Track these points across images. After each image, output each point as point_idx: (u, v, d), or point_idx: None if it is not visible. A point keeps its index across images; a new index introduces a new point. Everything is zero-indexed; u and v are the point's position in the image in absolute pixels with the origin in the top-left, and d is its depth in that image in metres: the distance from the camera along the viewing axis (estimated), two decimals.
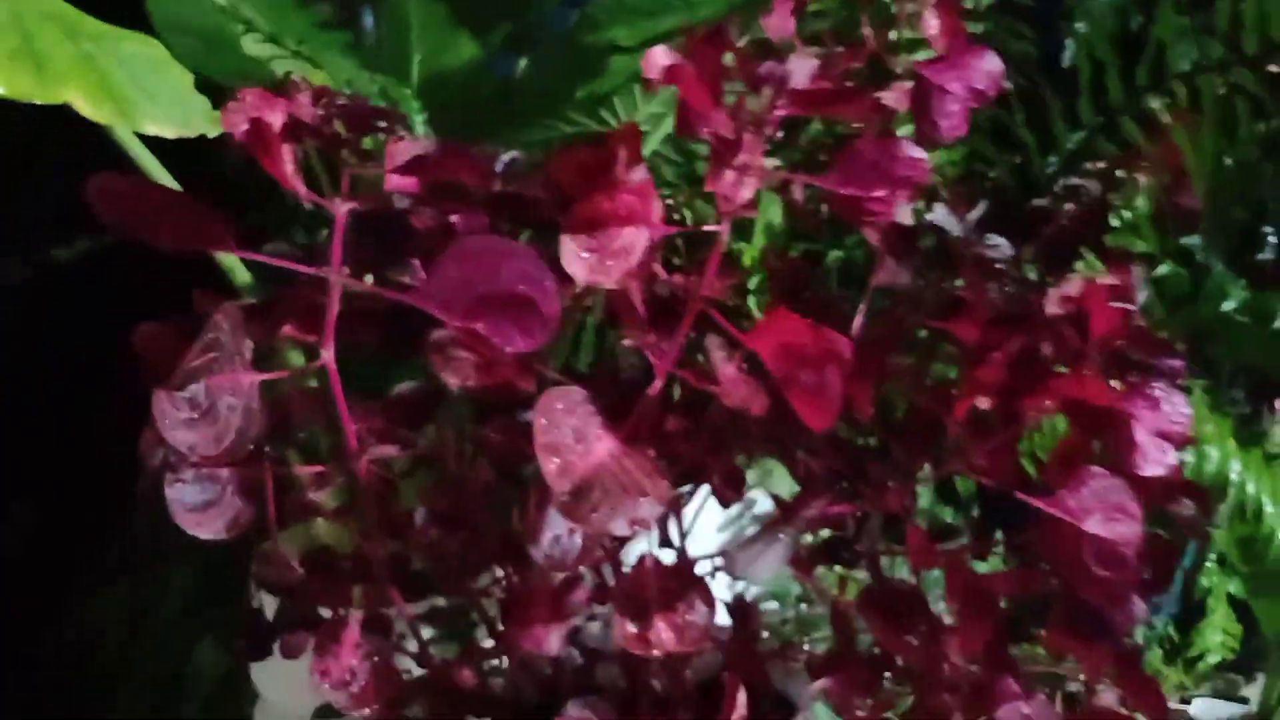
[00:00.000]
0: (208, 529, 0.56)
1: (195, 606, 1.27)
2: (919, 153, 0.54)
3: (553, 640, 0.74)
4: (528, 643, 0.74)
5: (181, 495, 0.55)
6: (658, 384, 0.61)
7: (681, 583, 0.66)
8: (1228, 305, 0.91)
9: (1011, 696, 0.76)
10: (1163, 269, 0.95)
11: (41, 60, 0.59)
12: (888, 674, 0.80)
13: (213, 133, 0.67)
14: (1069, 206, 0.91)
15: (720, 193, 0.56)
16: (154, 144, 0.78)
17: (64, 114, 0.69)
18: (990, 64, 0.66)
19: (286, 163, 0.51)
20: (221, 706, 1.20)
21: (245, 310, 0.59)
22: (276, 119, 0.51)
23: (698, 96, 0.50)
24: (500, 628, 0.85)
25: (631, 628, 0.64)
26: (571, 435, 0.55)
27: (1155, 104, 0.84)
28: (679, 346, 0.60)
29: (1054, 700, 0.75)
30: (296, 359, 0.92)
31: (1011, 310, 0.61)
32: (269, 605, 1.10)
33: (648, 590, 0.65)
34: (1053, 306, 0.62)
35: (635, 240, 0.55)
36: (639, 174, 0.57)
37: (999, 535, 0.94)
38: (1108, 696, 0.85)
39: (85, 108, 0.62)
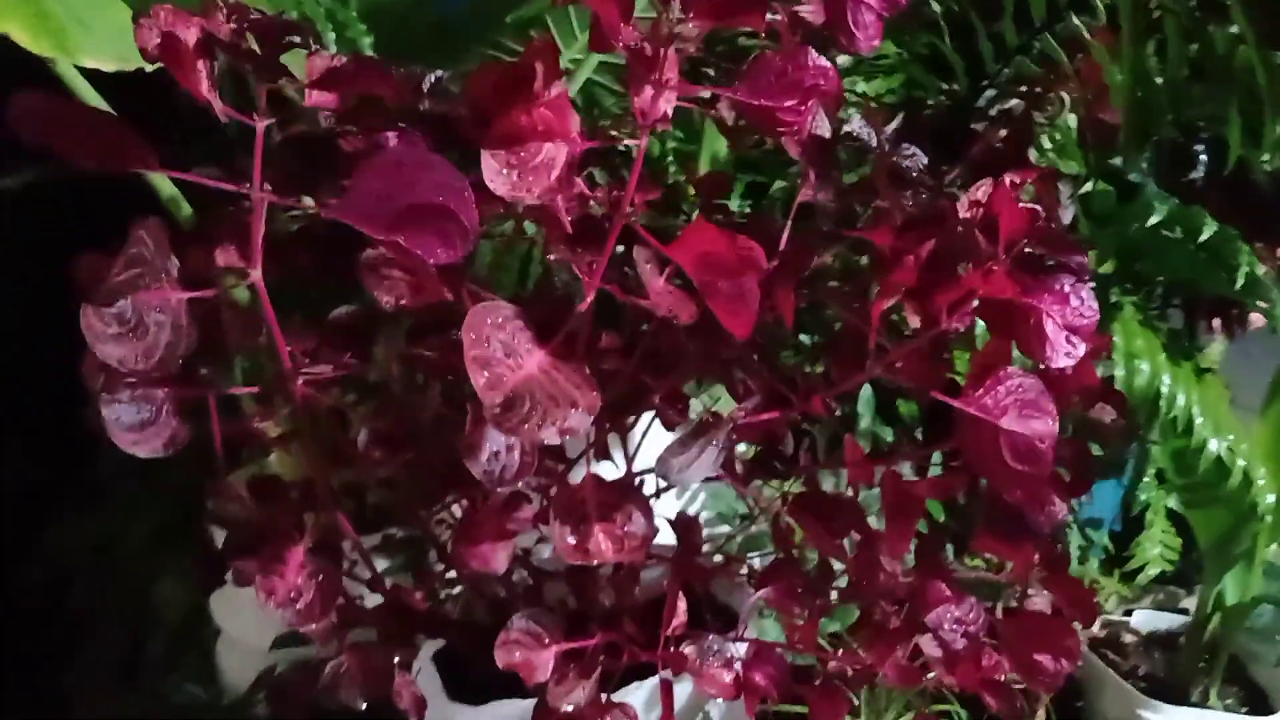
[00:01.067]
0: (145, 447, 0.57)
1: (160, 543, 1.29)
2: (824, 62, 0.55)
3: (500, 558, 0.76)
4: (475, 561, 0.75)
5: (118, 415, 0.56)
6: (588, 298, 0.63)
7: (619, 495, 0.68)
8: (1155, 220, 0.93)
9: (942, 600, 0.79)
10: (1089, 186, 0.97)
11: None
12: (829, 585, 0.84)
13: (149, 66, 0.67)
14: (1001, 130, 0.93)
15: (638, 108, 0.57)
16: (103, 81, 0.77)
17: (3, 47, 0.69)
18: None
19: (201, 77, 0.51)
20: (188, 642, 1.21)
21: (175, 233, 0.61)
22: (190, 35, 0.52)
23: (607, 11, 0.51)
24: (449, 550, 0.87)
25: (571, 538, 0.66)
26: (501, 349, 0.57)
27: (1077, 22, 0.85)
28: (605, 261, 0.62)
29: (994, 609, 0.78)
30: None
31: (923, 214, 0.63)
32: (220, 537, 1.13)
33: (586, 502, 0.67)
34: (963, 211, 0.64)
35: (555, 155, 0.56)
36: (556, 90, 0.58)
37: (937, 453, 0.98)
38: (1039, 600, 0.88)
39: (24, 39, 0.62)
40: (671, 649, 0.71)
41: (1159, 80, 0.95)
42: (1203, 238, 0.95)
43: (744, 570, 0.90)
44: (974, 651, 0.74)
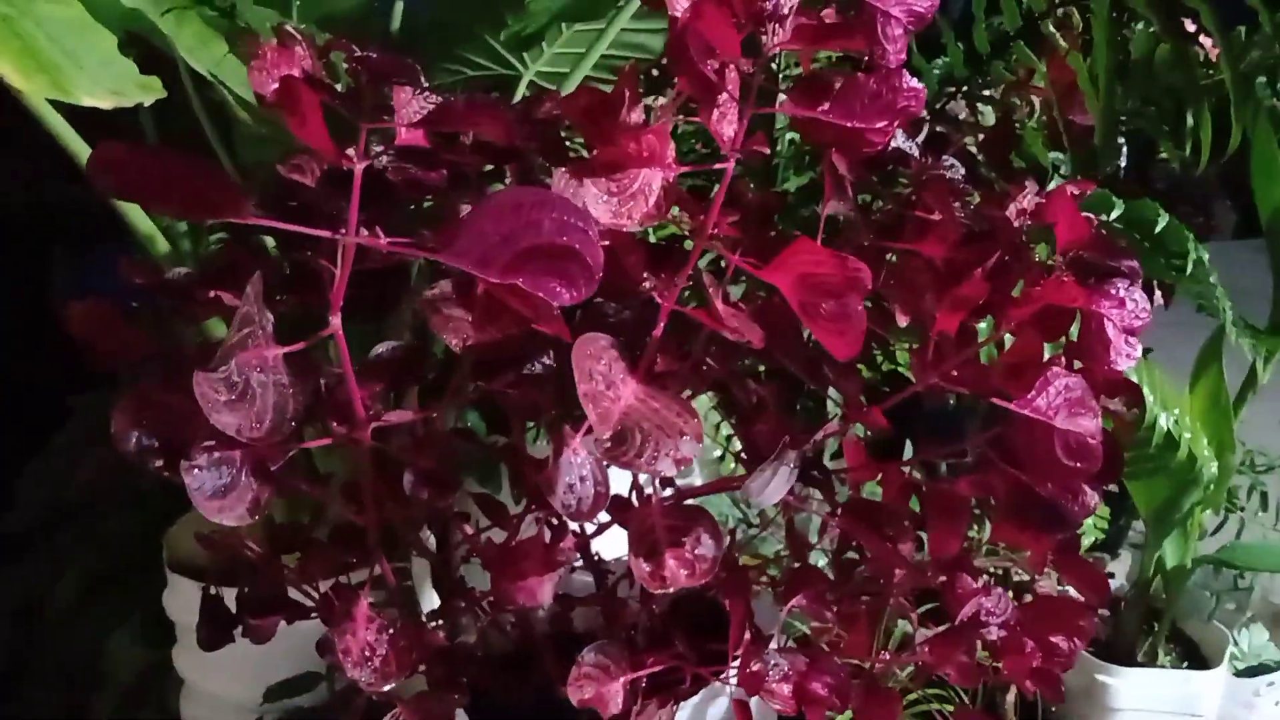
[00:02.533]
0: (230, 515, 0.53)
1: (98, 596, 1.20)
2: (916, 84, 0.56)
3: (546, 591, 0.74)
4: (522, 595, 0.73)
5: (201, 482, 0.52)
6: (662, 322, 0.62)
7: (686, 518, 0.67)
8: (1116, 214, 0.98)
9: (972, 594, 0.82)
10: (1054, 182, 1.01)
11: None
12: (850, 586, 0.85)
13: (147, 101, 0.62)
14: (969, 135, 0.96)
15: (722, 132, 0.57)
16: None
17: None
18: None
19: (318, 125, 0.48)
20: (141, 699, 1.14)
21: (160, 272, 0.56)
22: (294, 73, 0.48)
23: (723, 34, 0.51)
24: (466, 585, 0.85)
25: (646, 566, 0.65)
26: (602, 382, 0.55)
27: (1050, 30, 0.89)
28: (682, 283, 0.61)
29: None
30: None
31: (980, 227, 0.64)
32: (191, 593, 1.06)
33: (656, 529, 0.66)
34: (1013, 219, 0.66)
35: (651, 180, 0.55)
36: (639, 115, 0.57)
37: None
38: (1048, 585, 0.92)
39: (16, 79, 0.56)
40: (743, 668, 0.71)
41: (1093, 78, 1.00)
42: (1156, 230, 1.01)
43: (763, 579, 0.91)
44: (1017, 642, 0.77)
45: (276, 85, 0.48)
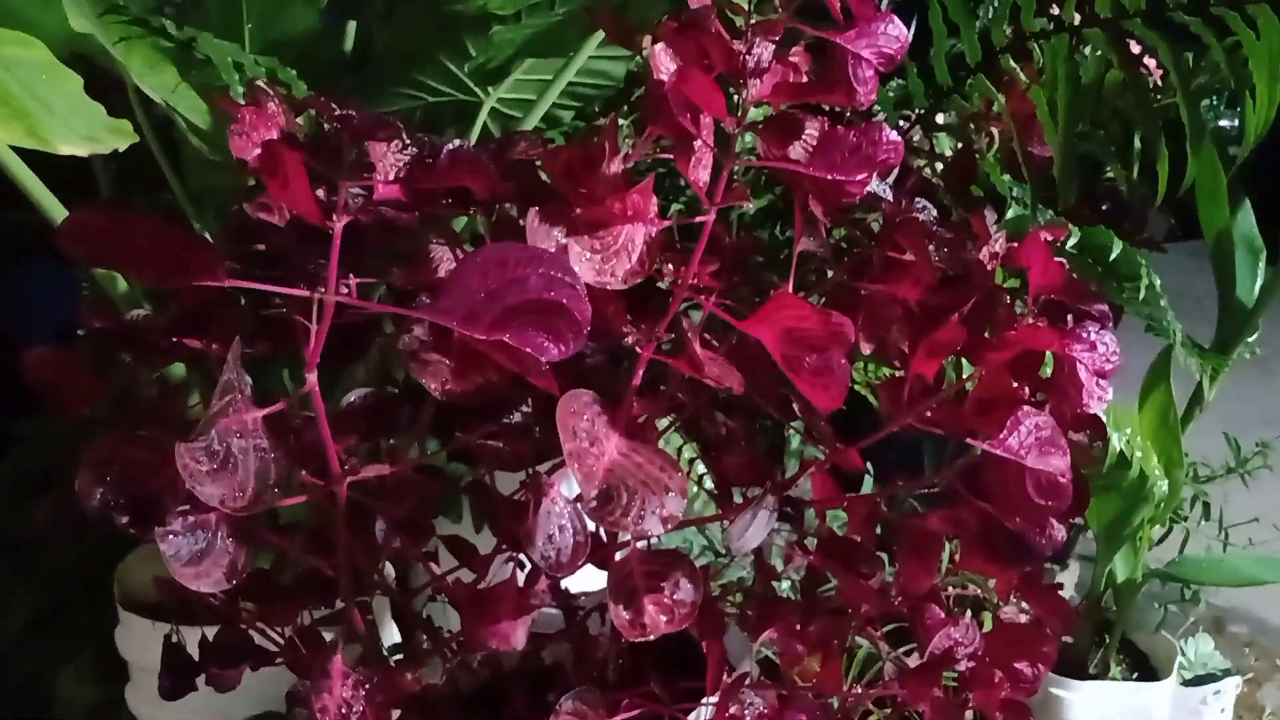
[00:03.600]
0: (207, 581, 0.52)
1: (43, 633, 1.17)
2: (895, 136, 0.56)
3: (520, 635, 0.73)
4: (495, 640, 0.72)
5: (176, 549, 0.51)
6: (639, 371, 0.62)
7: (664, 564, 0.67)
8: (1073, 241, 0.99)
9: (941, 624, 0.83)
10: (1011, 212, 1.03)
11: None
12: (818, 618, 0.85)
13: (122, 146, 0.60)
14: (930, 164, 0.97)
15: (701, 187, 0.57)
16: None
17: None
18: (896, 29, 0.69)
19: (304, 190, 0.46)
20: None
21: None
22: (270, 135, 0.47)
23: (708, 97, 0.50)
24: (434, 625, 0.84)
25: (626, 614, 0.65)
26: (586, 438, 0.55)
27: (1011, 64, 0.90)
28: (661, 332, 0.61)
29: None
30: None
31: (957, 271, 0.65)
32: (144, 632, 1.03)
33: (634, 575, 0.66)
34: (986, 262, 0.67)
35: (634, 237, 0.55)
36: (617, 165, 0.57)
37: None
38: (1011, 611, 0.94)
39: None
40: (721, 710, 0.71)
41: (1052, 110, 1.01)
42: (1111, 257, 1.02)
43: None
44: (986, 673, 0.78)
45: (259, 151, 0.47)
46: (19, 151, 0.71)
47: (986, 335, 0.66)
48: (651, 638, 0.65)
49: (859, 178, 0.57)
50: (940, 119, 1.01)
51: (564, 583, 0.85)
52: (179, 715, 1.03)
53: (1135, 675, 1.32)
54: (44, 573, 1.21)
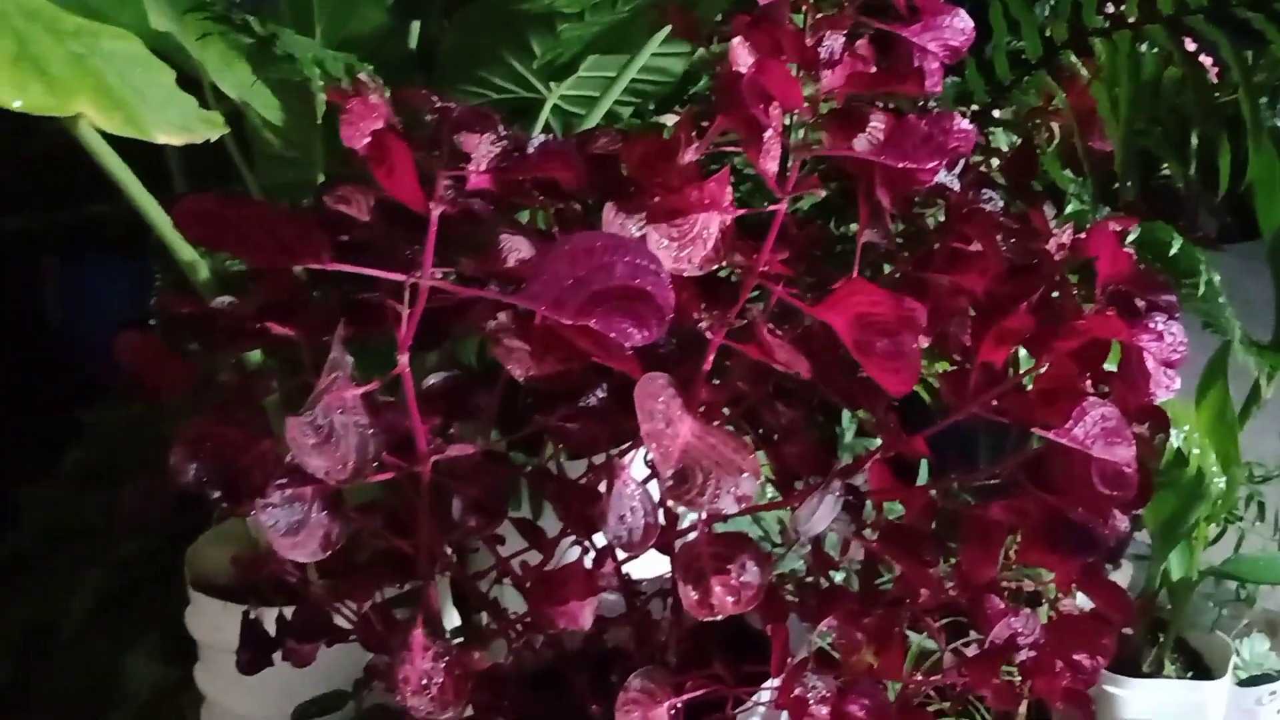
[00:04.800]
0: (303, 551, 0.54)
1: (111, 615, 1.20)
2: (967, 124, 0.58)
3: (587, 614, 0.75)
4: (563, 619, 0.74)
5: (275, 519, 0.53)
6: (710, 356, 0.63)
7: (731, 546, 0.68)
8: (1132, 237, 0.99)
9: (1001, 614, 0.84)
10: (1071, 207, 1.03)
11: (42, 66, 0.53)
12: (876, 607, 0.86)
13: (213, 136, 0.62)
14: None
15: (771, 175, 0.58)
16: None
17: None
18: (962, 22, 0.70)
19: (410, 177, 0.48)
20: (157, 716, 1.14)
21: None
22: (375, 125, 0.49)
23: (785, 87, 0.52)
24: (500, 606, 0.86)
25: (694, 594, 0.66)
26: (662, 420, 0.56)
27: (1072, 59, 0.91)
28: (732, 319, 0.62)
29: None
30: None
31: (1025, 261, 0.66)
32: (215, 612, 1.06)
33: (702, 557, 0.67)
34: (1053, 253, 0.67)
35: (709, 224, 0.56)
36: (693, 156, 0.58)
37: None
38: (1069, 604, 0.94)
39: (97, 117, 0.56)
40: (785, 691, 0.72)
41: (1113, 106, 1.01)
42: (1171, 253, 1.03)
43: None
44: (1048, 661, 0.79)
45: (369, 140, 0.49)
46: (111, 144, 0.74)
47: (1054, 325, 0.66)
48: (719, 618, 0.67)
49: (930, 165, 0.58)
50: (997, 114, 1.01)
51: (625, 569, 0.87)
52: (245, 694, 1.07)
53: (1189, 674, 1.31)
54: (112, 557, 1.24)
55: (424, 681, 0.62)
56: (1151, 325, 0.65)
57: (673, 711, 0.71)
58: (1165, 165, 1.28)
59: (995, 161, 1.08)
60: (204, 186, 1.12)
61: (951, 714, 1.12)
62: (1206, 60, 1.23)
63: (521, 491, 0.99)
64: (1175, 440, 1.14)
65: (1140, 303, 0.66)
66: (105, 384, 1.41)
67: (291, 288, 0.67)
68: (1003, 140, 1.03)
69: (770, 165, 0.59)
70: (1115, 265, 0.64)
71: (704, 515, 0.60)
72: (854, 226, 0.78)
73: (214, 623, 1.02)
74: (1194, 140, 1.19)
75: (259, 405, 0.75)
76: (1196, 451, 1.15)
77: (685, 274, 0.56)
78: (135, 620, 1.21)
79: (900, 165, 0.58)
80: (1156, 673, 1.29)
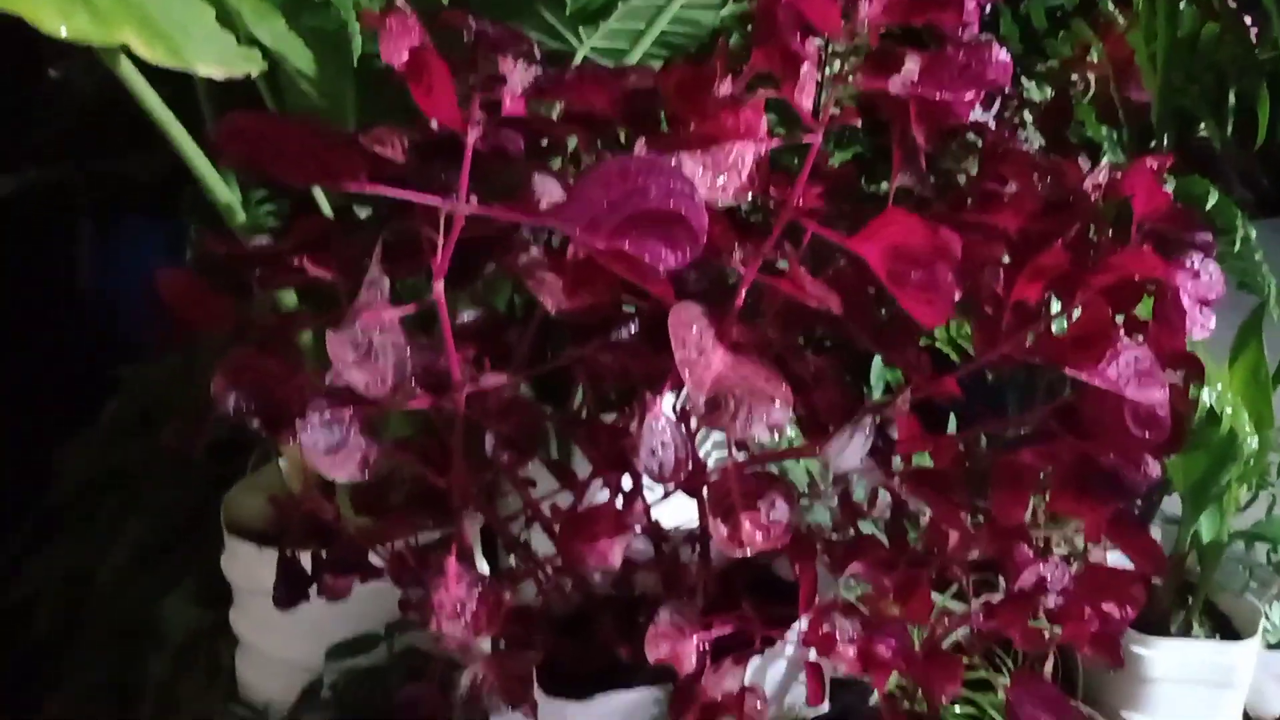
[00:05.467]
0: (341, 470, 0.55)
1: (149, 563, 1.23)
2: (1005, 56, 0.57)
3: (617, 553, 0.76)
4: (594, 558, 0.75)
5: (316, 439, 0.54)
6: (743, 291, 0.63)
7: (761, 484, 0.69)
8: (1168, 189, 0.99)
9: (1030, 562, 0.84)
10: (1106, 158, 1.02)
11: None
12: (904, 555, 0.87)
13: (254, 72, 0.63)
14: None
15: (806, 109, 0.58)
16: None
17: None
18: None
19: (447, 92, 0.49)
20: (195, 658, 1.16)
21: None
22: (411, 43, 0.49)
23: (824, 11, 0.52)
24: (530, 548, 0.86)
25: (724, 529, 0.67)
26: (695, 349, 0.57)
27: (1110, 7, 0.90)
28: (765, 253, 0.62)
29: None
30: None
31: (1059, 198, 0.65)
32: (250, 556, 1.08)
33: (732, 493, 0.68)
34: (1089, 192, 0.67)
35: (744, 154, 0.57)
36: (729, 87, 0.58)
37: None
38: (1098, 554, 0.94)
39: (140, 48, 0.57)
40: (814, 629, 0.73)
41: (1151, 55, 1.00)
42: (1208, 206, 1.02)
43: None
44: (1076, 608, 0.79)
45: (407, 56, 0.49)
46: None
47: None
48: (749, 553, 0.67)
49: (967, 97, 0.58)
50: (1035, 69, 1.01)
51: (653, 516, 0.87)
52: (279, 635, 1.08)
53: (1218, 637, 1.31)
54: (150, 505, 1.26)
55: (458, 608, 0.63)
56: (1188, 264, 0.64)
57: (701, 648, 0.72)
58: (1202, 125, 1.27)
59: (1029, 116, 1.08)
60: None
61: (978, 668, 1.13)
62: (1246, 19, 1.22)
63: (550, 441, 1.00)
64: (1207, 399, 1.13)
65: (1178, 241, 0.65)
66: (139, 346, 1.44)
67: (326, 226, 0.68)
68: (1035, 93, 1.02)
69: (805, 101, 0.59)
70: (1152, 202, 0.63)
71: (734, 449, 0.60)
72: (885, 185, 0.78)
73: (249, 567, 1.04)
74: (1231, 99, 1.17)
75: (295, 344, 0.76)
76: (1229, 411, 1.14)
77: (719, 204, 0.56)
78: (172, 567, 1.23)
79: (937, 97, 0.58)
80: (1185, 634, 1.29)
